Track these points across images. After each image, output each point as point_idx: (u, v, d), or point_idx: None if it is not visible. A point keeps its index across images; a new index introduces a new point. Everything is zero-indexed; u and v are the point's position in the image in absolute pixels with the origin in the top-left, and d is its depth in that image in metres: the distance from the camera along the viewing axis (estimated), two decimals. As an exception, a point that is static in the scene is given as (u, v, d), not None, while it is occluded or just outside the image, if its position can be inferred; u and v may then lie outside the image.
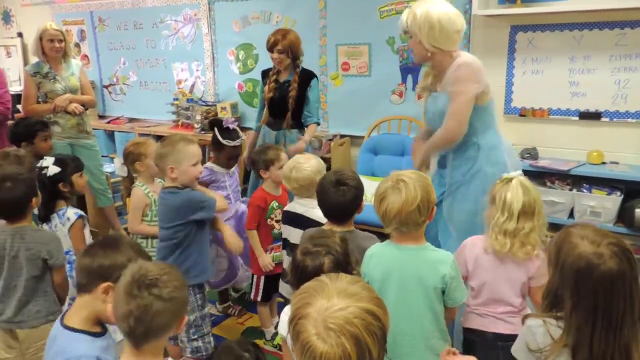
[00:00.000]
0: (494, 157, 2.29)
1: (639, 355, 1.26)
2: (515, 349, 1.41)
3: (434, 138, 2.32)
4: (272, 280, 2.65)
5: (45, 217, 2.44)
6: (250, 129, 4.62)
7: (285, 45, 3.13)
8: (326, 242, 1.56)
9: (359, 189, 1.99)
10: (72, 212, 2.42)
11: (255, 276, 2.71)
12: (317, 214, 2.26)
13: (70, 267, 2.38)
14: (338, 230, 1.95)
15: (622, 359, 1.25)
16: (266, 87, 3.31)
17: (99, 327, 1.50)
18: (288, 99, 3.21)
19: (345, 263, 1.53)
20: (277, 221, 2.62)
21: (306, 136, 3.26)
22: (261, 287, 2.69)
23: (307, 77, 3.27)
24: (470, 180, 2.27)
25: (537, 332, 1.34)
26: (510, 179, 1.82)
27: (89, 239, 2.47)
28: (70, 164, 2.50)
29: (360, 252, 1.83)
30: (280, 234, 2.53)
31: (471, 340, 1.90)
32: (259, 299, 2.71)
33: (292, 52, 3.18)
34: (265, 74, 3.41)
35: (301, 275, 1.50)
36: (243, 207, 2.95)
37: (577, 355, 1.27)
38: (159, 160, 2.24)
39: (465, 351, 1.93)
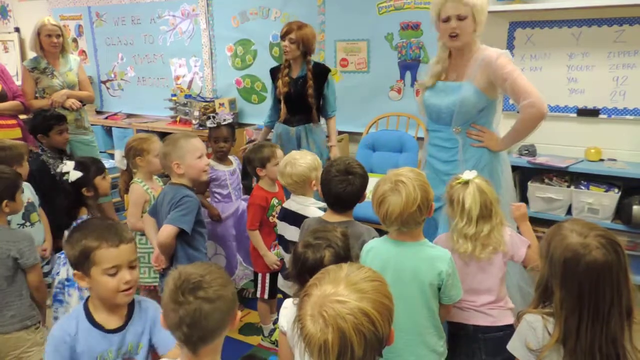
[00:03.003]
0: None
1: (631, 348, 1.28)
2: (513, 346, 1.41)
3: (524, 122, 2.21)
4: (277, 278, 2.65)
5: (66, 225, 2.27)
6: (248, 125, 4.63)
7: (298, 36, 3.12)
8: (327, 235, 1.57)
9: (365, 179, 2.00)
10: None
11: (260, 274, 2.70)
12: (311, 211, 2.26)
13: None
14: (337, 219, 1.96)
15: (609, 352, 1.26)
16: (279, 82, 3.28)
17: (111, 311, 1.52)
18: (306, 97, 3.20)
19: (346, 257, 1.54)
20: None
21: (333, 140, 3.40)
22: (267, 284, 2.68)
23: (322, 72, 3.26)
24: (482, 173, 2.24)
25: (537, 327, 1.35)
26: (467, 182, 1.83)
27: None
28: (91, 167, 2.34)
29: (360, 244, 1.85)
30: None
31: (453, 333, 1.93)
32: (265, 296, 2.70)
33: (304, 46, 3.16)
34: (274, 71, 3.40)
35: (301, 267, 1.51)
36: (244, 205, 2.94)
37: (566, 348, 1.29)
38: (164, 160, 2.26)
39: (451, 344, 1.95)
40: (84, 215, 2.30)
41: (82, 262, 1.47)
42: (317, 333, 0.98)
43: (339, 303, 0.99)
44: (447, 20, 2.22)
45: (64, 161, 2.37)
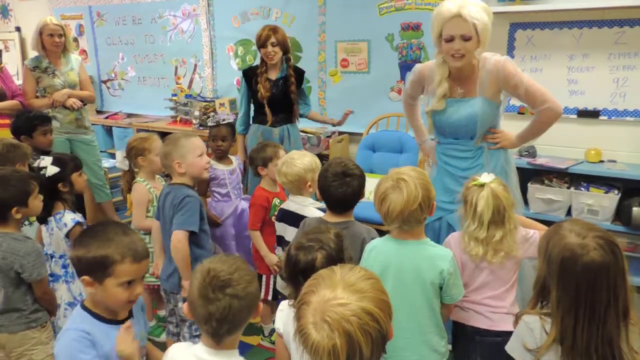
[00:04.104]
0: (508, 152, 2.39)
1: (627, 349, 1.28)
2: (511, 347, 1.41)
3: (542, 124, 2.27)
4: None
5: (43, 219, 2.32)
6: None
7: (279, 39, 3.15)
8: (320, 237, 1.55)
9: (363, 179, 2.00)
10: (69, 218, 2.27)
11: (264, 276, 2.69)
12: (310, 212, 2.26)
13: (66, 272, 2.32)
14: (337, 220, 1.96)
15: (605, 352, 1.26)
16: (260, 87, 3.22)
17: (111, 315, 1.50)
18: (290, 95, 3.23)
19: (339, 259, 1.52)
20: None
21: (327, 119, 3.57)
22: (271, 286, 2.67)
23: (300, 72, 3.33)
24: (501, 173, 2.24)
25: (535, 327, 1.35)
26: (483, 185, 1.81)
27: None
28: (69, 163, 2.37)
29: (359, 243, 1.86)
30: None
31: (455, 333, 1.94)
32: (269, 298, 2.69)
33: (285, 46, 3.19)
34: (249, 74, 3.33)
35: (293, 269, 1.50)
36: (244, 205, 2.94)
37: (563, 347, 1.29)
38: (165, 159, 2.27)
39: (453, 344, 1.97)
40: (60, 210, 2.31)
41: (97, 270, 1.43)
42: (324, 340, 0.96)
43: (341, 306, 0.98)
44: (450, 40, 2.11)
45: (42, 156, 2.39)
